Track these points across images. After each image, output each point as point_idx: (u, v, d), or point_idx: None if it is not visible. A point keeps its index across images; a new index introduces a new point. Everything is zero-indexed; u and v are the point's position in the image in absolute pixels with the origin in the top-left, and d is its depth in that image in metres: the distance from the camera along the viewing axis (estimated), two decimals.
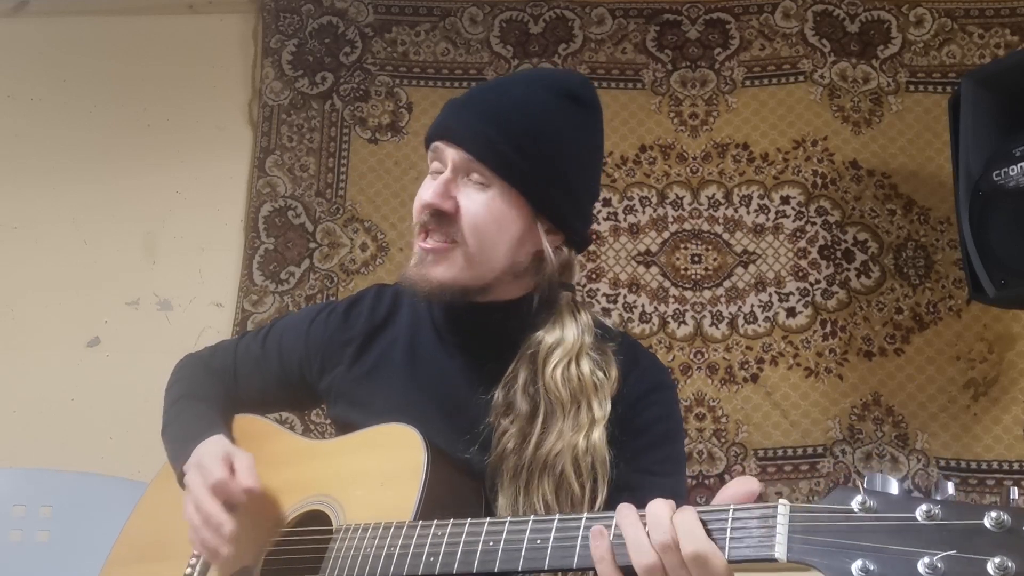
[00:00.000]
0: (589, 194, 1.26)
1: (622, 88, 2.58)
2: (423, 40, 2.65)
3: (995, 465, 2.25)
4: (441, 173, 1.18)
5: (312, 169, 2.58)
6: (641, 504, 0.87)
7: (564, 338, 1.17)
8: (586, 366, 1.16)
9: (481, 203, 1.15)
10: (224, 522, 1.10)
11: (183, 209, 2.59)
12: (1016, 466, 2.25)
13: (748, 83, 2.56)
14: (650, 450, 1.16)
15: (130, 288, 2.53)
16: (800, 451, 2.30)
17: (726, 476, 2.27)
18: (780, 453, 2.30)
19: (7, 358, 2.47)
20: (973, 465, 2.26)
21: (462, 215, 1.15)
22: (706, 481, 2.27)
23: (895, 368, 2.34)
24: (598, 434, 1.12)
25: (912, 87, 2.52)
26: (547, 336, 1.17)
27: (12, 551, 1.74)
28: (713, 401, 2.34)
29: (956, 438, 2.28)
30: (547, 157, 1.15)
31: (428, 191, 1.16)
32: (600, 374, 1.16)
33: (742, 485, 0.85)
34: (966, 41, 2.54)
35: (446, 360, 1.24)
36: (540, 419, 1.13)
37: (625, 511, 0.86)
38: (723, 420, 2.32)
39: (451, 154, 1.16)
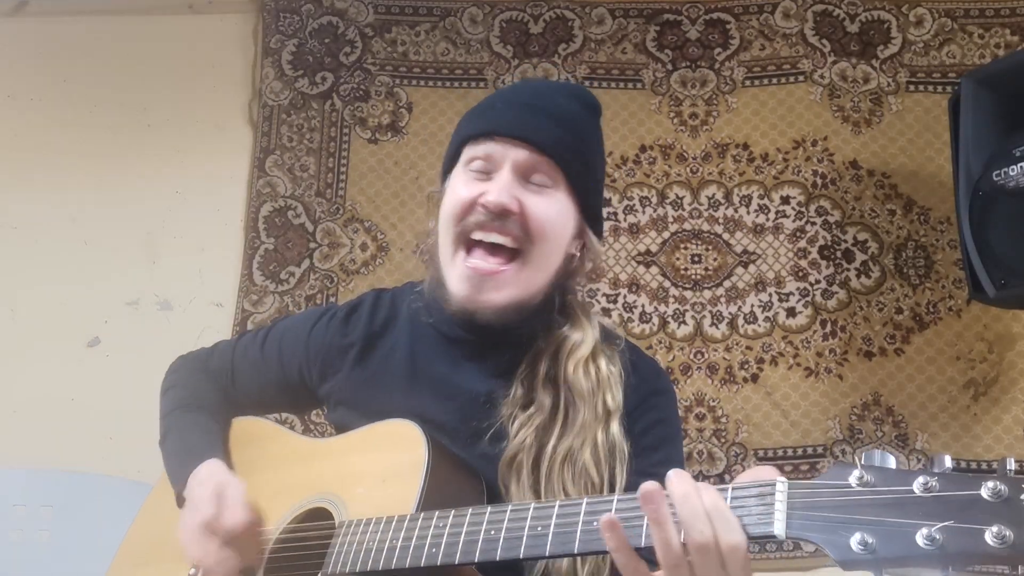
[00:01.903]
0: (602, 201, 1.31)
1: (622, 88, 2.58)
2: (423, 40, 2.65)
3: (995, 465, 2.25)
4: (486, 171, 1.16)
5: (312, 169, 2.58)
6: None
7: (585, 337, 1.19)
8: (602, 362, 1.18)
9: (547, 205, 1.15)
10: (223, 559, 1.12)
11: (183, 209, 2.59)
12: (1016, 465, 2.25)
13: (748, 83, 2.56)
14: (649, 452, 1.17)
15: (130, 288, 2.53)
16: (800, 451, 2.30)
17: (726, 476, 2.27)
18: (780, 453, 2.30)
19: (7, 358, 2.47)
20: (973, 465, 2.26)
21: (530, 218, 1.13)
22: (706, 481, 2.27)
23: (895, 368, 2.33)
24: (615, 425, 1.14)
25: (912, 87, 2.52)
26: (570, 334, 1.19)
27: (12, 551, 1.74)
28: (713, 401, 2.34)
29: (956, 438, 2.28)
30: (593, 164, 1.21)
31: (495, 191, 1.12)
32: (612, 367, 1.19)
33: (758, 474, 0.84)
34: (966, 41, 2.54)
35: (450, 364, 1.24)
36: (562, 413, 1.14)
37: (653, 493, 0.83)
38: (723, 420, 2.32)
39: (514, 153, 1.14)
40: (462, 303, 1.15)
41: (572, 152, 1.17)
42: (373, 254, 2.51)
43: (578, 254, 1.22)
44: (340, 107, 2.61)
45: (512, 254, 1.14)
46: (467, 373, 1.22)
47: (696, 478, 2.44)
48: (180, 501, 1.24)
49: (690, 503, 0.81)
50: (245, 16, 2.72)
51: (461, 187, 1.17)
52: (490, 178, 1.15)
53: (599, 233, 1.25)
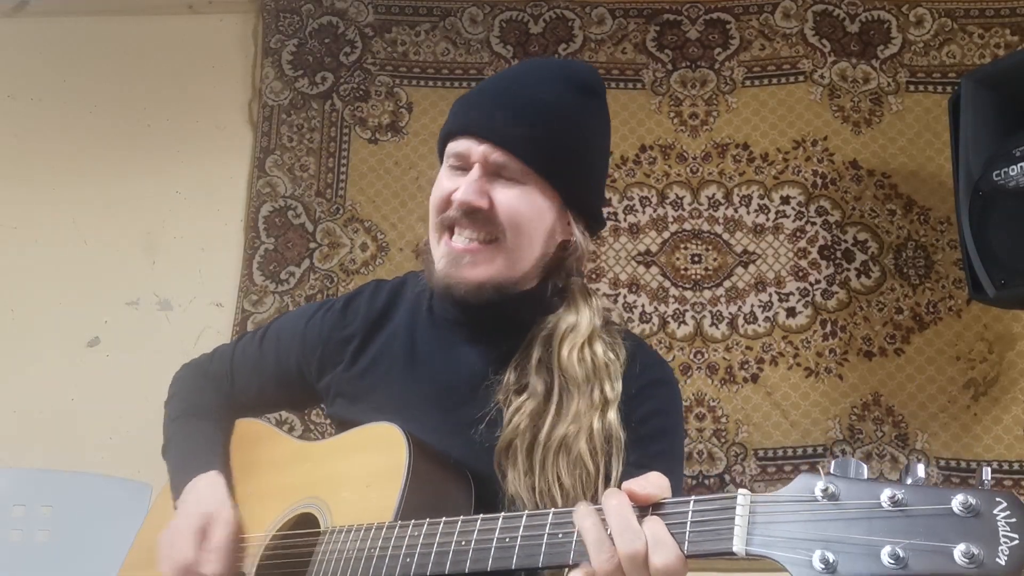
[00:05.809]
0: (605, 175, 1.29)
1: (622, 88, 2.58)
2: (423, 40, 2.65)
3: (995, 465, 2.25)
4: (462, 168, 1.17)
5: (312, 169, 2.58)
6: None
7: (579, 321, 1.19)
8: (599, 348, 1.17)
9: (517, 197, 1.15)
10: None
11: (183, 209, 2.59)
12: (1016, 466, 2.25)
13: (748, 83, 2.56)
14: (646, 443, 1.15)
15: (130, 288, 2.53)
16: (800, 451, 2.30)
17: (726, 476, 2.27)
18: (780, 453, 2.30)
19: (7, 358, 2.47)
20: (973, 465, 2.25)
21: (500, 211, 1.14)
22: (706, 481, 2.27)
23: (895, 368, 2.33)
24: (612, 414, 1.13)
25: (912, 87, 2.52)
26: (563, 319, 1.19)
27: (12, 551, 1.74)
28: (713, 401, 2.34)
29: (956, 438, 2.28)
30: (576, 152, 1.19)
31: (461, 189, 1.14)
32: (611, 355, 1.17)
33: (653, 481, 0.83)
34: (966, 41, 2.54)
35: (448, 349, 1.23)
36: (555, 399, 1.13)
37: (584, 511, 0.83)
38: (723, 420, 2.32)
39: (482, 150, 1.15)
40: (441, 279, 1.17)
41: (539, 147, 1.15)
42: (373, 254, 2.51)
43: (572, 240, 1.22)
44: (340, 107, 2.61)
45: (488, 240, 1.16)
46: (465, 358, 1.21)
47: (696, 478, 2.40)
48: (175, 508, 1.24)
49: (626, 518, 0.80)
50: (245, 16, 2.72)
51: (443, 180, 1.19)
52: (466, 173, 1.17)
53: (595, 217, 1.24)
